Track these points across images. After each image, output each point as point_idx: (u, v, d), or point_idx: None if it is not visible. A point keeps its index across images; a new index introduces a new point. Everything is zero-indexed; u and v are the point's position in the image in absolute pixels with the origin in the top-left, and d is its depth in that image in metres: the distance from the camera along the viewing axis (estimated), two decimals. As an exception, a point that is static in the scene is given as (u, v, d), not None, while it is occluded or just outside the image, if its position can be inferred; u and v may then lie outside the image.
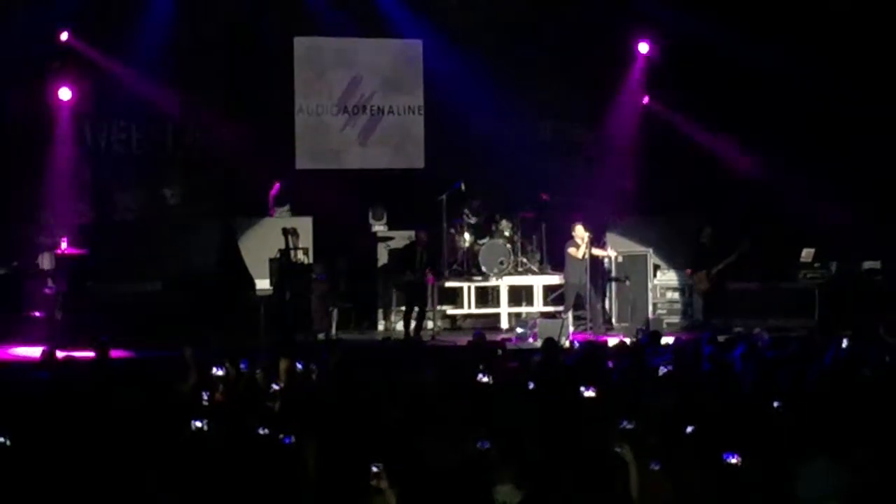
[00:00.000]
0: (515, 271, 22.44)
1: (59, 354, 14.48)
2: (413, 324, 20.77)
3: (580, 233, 20.81)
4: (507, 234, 22.38)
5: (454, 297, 22.49)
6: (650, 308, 21.86)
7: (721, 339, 16.05)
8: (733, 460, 8.84)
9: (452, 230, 22.38)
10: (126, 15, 22.30)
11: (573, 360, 14.98)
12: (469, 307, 22.44)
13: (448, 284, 22.20)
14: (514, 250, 22.36)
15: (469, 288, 22.35)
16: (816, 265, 21.59)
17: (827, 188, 22.30)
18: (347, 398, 12.02)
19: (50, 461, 9.77)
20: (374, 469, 8.61)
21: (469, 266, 22.34)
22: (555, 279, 22.28)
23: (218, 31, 23.01)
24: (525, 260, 22.70)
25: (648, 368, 13.83)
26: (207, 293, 20.23)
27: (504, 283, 22.30)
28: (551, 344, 15.61)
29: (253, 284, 20.95)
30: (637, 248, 22.25)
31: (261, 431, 10.14)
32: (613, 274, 21.97)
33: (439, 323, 21.80)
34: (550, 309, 22.01)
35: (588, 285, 20.75)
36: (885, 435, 9.93)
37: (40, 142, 21.85)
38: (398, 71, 24.35)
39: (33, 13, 21.44)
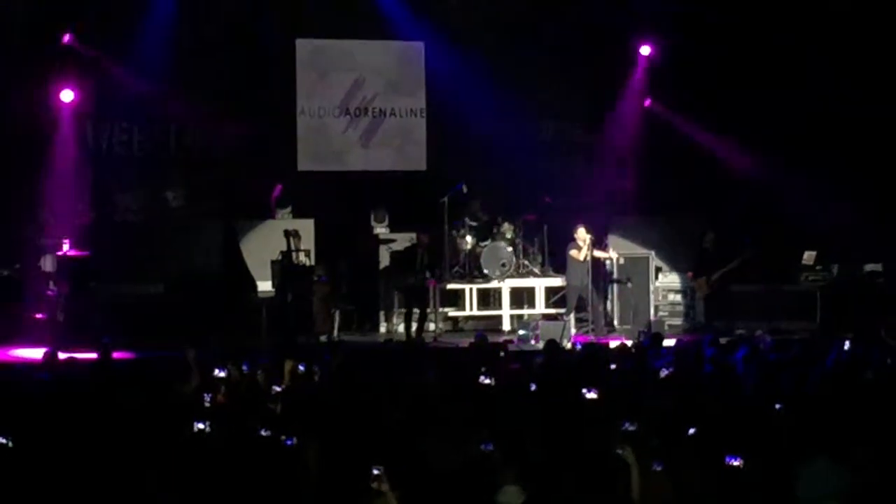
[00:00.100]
0: (517, 273, 22.43)
1: (61, 356, 14.49)
2: (414, 326, 20.77)
3: (582, 235, 20.81)
4: (508, 236, 22.37)
5: (456, 299, 22.48)
6: (652, 310, 21.87)
7: (723, 341, 16.05)
8: (736, 463, 8.84)
9: (454, 232, 22.37)
10: (128, 16, 22.30)
11: (575, 362, 14.97)
12: (471, 309, 22.44)
13: (450, 286, 22.19)
14: (515, 252, 22.35)
15: (471, 290, 22.35)
16: (818, 267, 21.59)
17: (828, 190, 22.30)
18: (349, 400, 12.02)
19: (52, 462, 9.77)
20: (375, 471, 8.61)
21: (471, 268, 22.33)
22: (556, 281, 22.27)
23: (219, 32, 22.99)
24: (527, 262, 22.69)
25: (650, 370, 13.84)
26: (209, 295, 20.24)
27: (506, 285, 22.30)
28: (553, 346, 15.63)
29: (254, 286, 20.96)
30: (639, 250, 22.27)
31: (262, 433, 10.14)
32: (615, 276, 21.97)
33: (441, 325, 21.79)
34: (552, 311, 22.00)
35: (590, 287, 20.75)
36: (887, 436, 9.93)
37: (42, 143, 21.84)
38: (400, 73, 24.35)
39: (35, 15, 21.45)
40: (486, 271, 22.09)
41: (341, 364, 14.27)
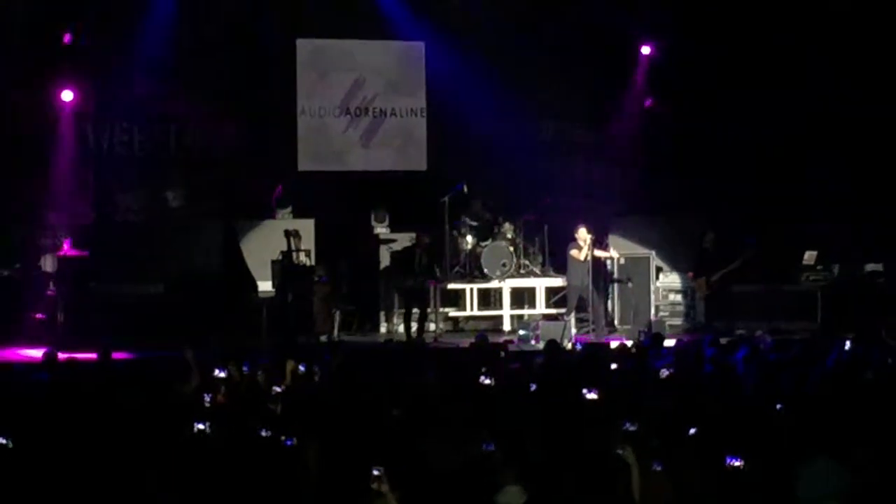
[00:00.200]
0: (518, 273, 22.42)
1: (61, 356, 14.48)
2: (414, 326, 20.76)
3: (583, 235, 20.80)
4: (509, 236, 22.36)
5: (457, 299, 22.48)
6: (652, 310, 21.86)
7: (723, 341, 16.05)
8: (736, 463, 8.83)
9: (455, 232, 22.36)
10: (128, 16, 22.30)
11: (575, 362, 14.97)
12: (471, 309, 22.44)
13: (450, 286, 22.18)
14: (516, 252, 22.34)
15: (471, 290, 22.34)
16: (819, 267, 21.57)
17: (829, 190, 22.29)
18: (349, 400, 12.02)
19: (52, 463, 9.77)
20: (375, 472, 8.60)
21: (471, 268, 22.32)
22: (557, 281, 22.26)
23: (220, 32, 22.97)
24: (527, 262, 22.68)
25: (650, 370, 13.83)
26: (209, 295, 20.24)
27: (506, 286, 22.29)
28: (553, 346, 15.63)
29: (255, 286, 20.96)
30: (639, 250, 22.27)
31: (262, 433, 10.13)
32: (616, 276, 21.96)
33: (441, 325, 21.79)
34: (553, 311, 22.01)
35: (590, 287, 20.74)
36: (887, 437, 9.92)
37: (42, 143, 21.85)
38: (401, 73, 24.34)
39: (35, 15, 21.44)
40: (486, 271, 22.08)
41: (341, 364, 14.27)
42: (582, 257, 20.76)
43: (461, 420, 10.79)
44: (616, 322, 21.85)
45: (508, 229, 22.39)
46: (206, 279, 20.64)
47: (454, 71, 23.54)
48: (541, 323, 20.66)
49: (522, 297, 22.69)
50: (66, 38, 21.67)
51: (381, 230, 22.92)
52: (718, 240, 21.40)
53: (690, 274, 21.74)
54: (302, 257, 20.88)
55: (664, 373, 13.41)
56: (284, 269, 20.69)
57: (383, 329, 22.04)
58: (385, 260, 22.42)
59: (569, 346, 18.38)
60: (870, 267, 21.51)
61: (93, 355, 14.90)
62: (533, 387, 12.73)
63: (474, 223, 22.46)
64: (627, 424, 9.92)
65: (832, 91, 22.68)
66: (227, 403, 12.18)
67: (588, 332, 20.80)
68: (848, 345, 15.10)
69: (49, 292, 20.54)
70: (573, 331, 20.39)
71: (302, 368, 13.36)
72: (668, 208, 23.19)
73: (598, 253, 21.11)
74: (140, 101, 22.36)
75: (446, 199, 21.97)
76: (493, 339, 18.05)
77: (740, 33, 22.87)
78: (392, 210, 23.10)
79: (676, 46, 23.52)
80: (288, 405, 11.96)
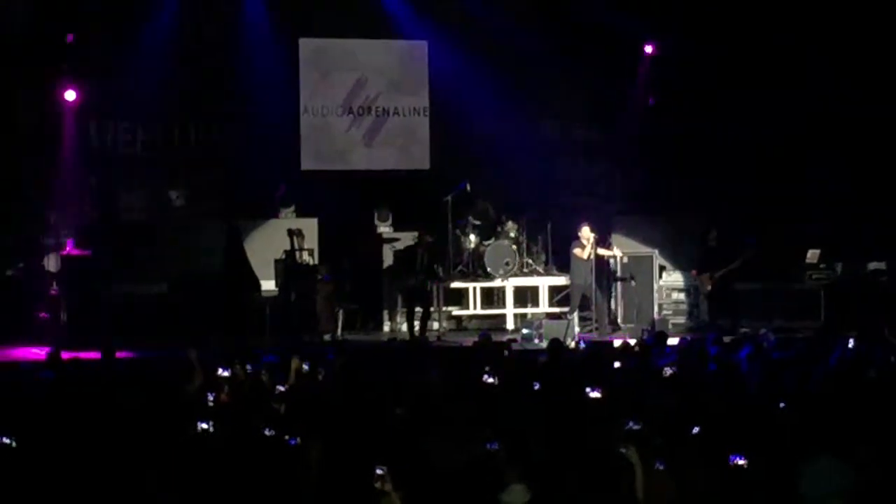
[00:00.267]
0: (521, 272, 22.42)
1: (65, 355, 14.49)
2: (417, 325, 20.78)
3: (586, 233, 20.79)
4: (512, 234, 22.36)
5: (460, 298, 22.49)
6: (656, 309, 21.85)
7: (727, 339, 16.05)
8: (739, 462, 8.83)
9: (458, 231, 22.37)
10: (130, 16, 22.31)
11: (578, 361, 14.97)
12: (475, 308, 22.44)
13: (454, 285, 22.19)
14: (519, 251, 22.33)
15: (475, 289, 22.35)
16: (822, 266, 21.56)
17: (830, 189, 22.28)
18: (353, 399, 12.02)
19: (56, 462, 9.78)
20: (379, 471, 8.60)
21: (475, 267, 22.32)
22: (560, 280, 22.27)
23: (222, 31, 22.99)
24: (530, 261, 22.68)
25: (654, 369, 13.83)
26: (212, 294, 20.26)
27: (510, 284, 22.28)
28: (557, 345, 15.62)
29: (258, 285, 20.98)
30: (642, 249, 22.26)
31: (266, 432, 10.14)
32: (619, 274, 21.95)
33: (445, 324, 21.79)
34: (556, 310, 22.01)
35: (594, 286, 20.74)
36: (890, 435, 9.92)
37: (45, 143, 21.86)
38: (403, 72, 24.34)
39: (38, 15, 21.45)
40: (489, 270, 22.07)
41: (345, 363, 14.27)
42: (585, 256, 20.76)
43: (465, 419, 10.79)
44: (619, 321, 21.85)
45: (512, 228, 22.39)
46: (209, 278, 20.65)
47: (457, 70, 23.56)
48: (544, 322, 20.67)
49: (526, 296, 22.68)
50: (69, 37, 21.67)
51: (385, 229, 22.91)
52: (721, 238, 21.38)
53: (694, 272, 21.73)
54: (305, 256, 20.90)
55: (667, 371, 13.41)
56: (288, 268, 20.70)
57: (386, 328, 22.05)
58: (388, 259, 22.42)
59: (572, 344, 18.35)
60: (873, 265, 21.50)
61: (96, 354, 14.92)
62: (536, 385, 12.73)
63: (478, 222, 22.45)
64: (631, 423, 9.93)
65: (832, 91, 22.67)
66: (230, 403, 12.19)
67: (591, 330, 20.81)
68: (851, 343, 15.12)
69: (52, 292, 20.56)
70: (576, 329, 20.40)
71: (306, 367, 13.38)
72: (671, 207, 23.18)
73: (602, 251, 21.10)
74: (143, 100, 22.37)
75: (449, 198, 21.99)
76: (496, 337, 18.06)
77: (740, 33, 22.86)
78: (395, 209, 23.09)
79: (677, 46, 23.50)
80: (292, 404, 11.96)
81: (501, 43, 23.70)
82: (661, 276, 22.20)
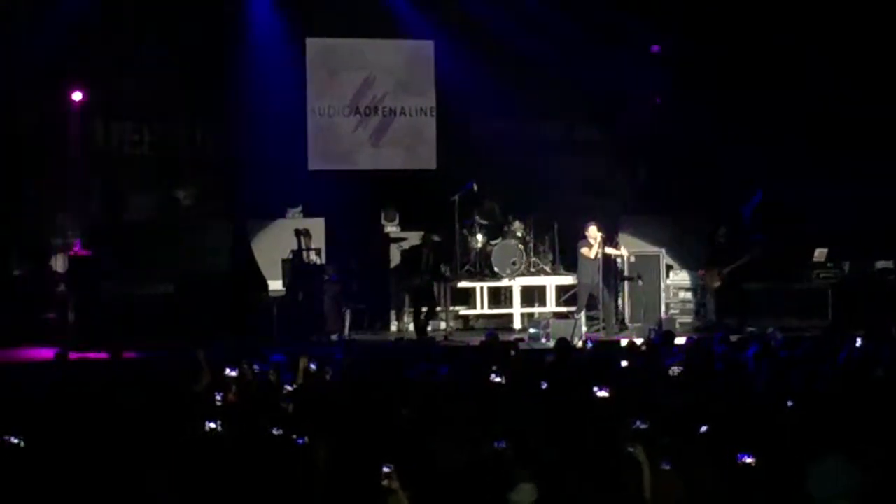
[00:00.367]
0: (528, 272, 22.43)
1: (72, 356, 14.51)
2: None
3: (593, 233, 20.78)
4: (519, 234, 22.37)
5: (467, 297, 22.49)
6: (663, 308, 21.84)
7: (734, 338, 16.03)
8: (747, 461, 8.83)
9: (465, 231, 22.37)
10: (137, 16, 22.35)
11: (586, 361, 14.96)
12: (482, 308, 22.44)
13: (461, 285, 22.20)
14: (526, 251, 22.35)
15: (482, 288, 22.35)
16: (829, 265, 21.53)
17: (840, 187, 22.27)
18: (360, 399, 12.02)
19: (63, 462, 9.79)
20: (386, 469, 8.61)
21: (482, 267, 22.33)
22: (567, 279, 22.27)
23: (229, 31, 23.00)
24: (537, 260, 22.69)
25: (661, 368, 13.82)
26: (219, 294, 20.27)
27: (517, 284, 22.29)
28: (564, 344, 15.60)
29: (265, 285, 20.99)
30: (649, 248, 22.24)
31: (274, 432, 10.15)
32: (626, 274, 21.94)
33: (452, 323, 21.79)
34: (563, 309, 22.01)
35: (601, 285, 20.74)
36: (898, 434, 9.92)
37: (52, 144, 21.89)
38: (410, 72, 24.35)
39: (45, 17, 21.47)
40: (496, 270, 22.08)
41: (352, 363, 14.28)
42: (592, 255, 20.75)
43: (471, 418, 10.79)
44: (626, 320, 21.83)
45: (519, 228, 22.40)
46: (215, 278, 20.67)
47: (463, 70, 23.56)
48: (551, 321, 20.64)
49: (533, 296, 22.70)
50: (75, 38, 21.69)
51: (392, 229, 22.93)
52: (730, 235, 21.38)
53: (701, 272, 21.71)
54: (312, 256, 20.94)
55: (675, 370, 13.40)
56: (295, 268, 20.73)
57: (394, 328, 22.05)
58: (395, 259, 22.43)
59: (579, 344, 18.38)
60: (880, 264, 21.47)
61: (103, 355, 14.94)
62: (543, 385, 12.73)
63: (485, 222, 22.46)
64: (638, 422, 9.92)
65: (832, 91, 22.67)
66: (238, 402, 12.20)
67: (598, 330, 20.80)
68: (858, 342, 15.09)
69: (60, 292, 20.57)
70: (583, 329, 20.37)
71: (313, 367, 13.39)
72: (678, 206, 23.15)
73: (609, 251, 21.10)
74: (149, 101, 22.39)
75: (456, 197, 21.99)
76: (503, 337, 18.05)
77: (740, 33, 22.85)
78: (402, 209, 23.10)
79: (685, 45, 23.50)
80: (299, 404, 11.97)
81: (507, 43, 23.69)
82: (668, 276, 22.18)
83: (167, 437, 10.36)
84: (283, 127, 23.34)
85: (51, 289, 20.69)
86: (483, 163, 23.21)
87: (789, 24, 22.68)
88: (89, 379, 13.62)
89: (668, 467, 8.96)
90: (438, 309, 21.39)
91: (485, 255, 22.25)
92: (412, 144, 24.38)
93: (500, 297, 22.68)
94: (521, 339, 19.68)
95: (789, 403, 11.30)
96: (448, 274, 21.62)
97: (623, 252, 21.60)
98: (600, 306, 20.92)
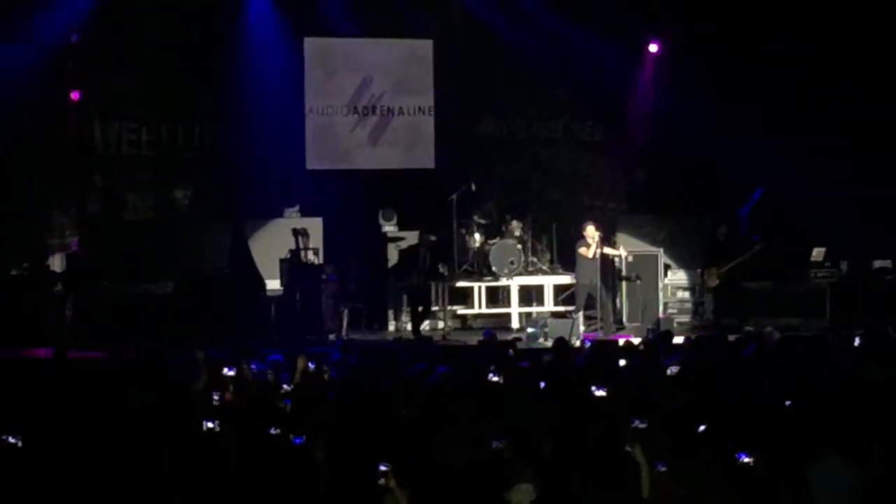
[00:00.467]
0: (526, 271, 22.43)
1: (70, 355, 14.49)
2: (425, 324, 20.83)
3: (591, 232, 20.76)
4: (517, 234, 22.37)
5: (465, 297, 22.49)
6: (661, 308, 21.84)
7: (732, 338, 16.03)
8: (746, 460, 8.83)
9: (463, 230, 22.37)
10: (135, 16, 22.35)
11: (584, 360, 14.96)
12: (480, 307, 22.42)
13: (459, 284, 22.20)
14: (524, 250, 22.35)
15: (480, 288, 22.34)
16: (827, 264, 21.53)
17: (838, 187, 22.28)
18: (358, 398, 12.02)
19: (61, 461, 9.78)
20: (382, 468, 8.60)
21: (480, 266, 22.32)
22: (565, 279, 22.27)
23: (228, 30, 23.00)
24: (535, 260, 22.69)
25: (659, 367, 13.81)
26: (218, 294, 20.26)
27: (515, 283, 22.28)
28: (562, 343, 15.61)
29: (263, 285, 20.97)
30: (647, 248, 22.24)
31: (272, 431, 10.14)
32: (624, 273, 21.94)
33: (450, 323, 21.78)
34: (561, 309, 22.01)
35: (599, 285, 20.73)
36: (897, 433, 9.92)
37: (51, 143, 21.88)
38: (408, 71, 24.33)
39: (44, 16, 21.45)
40: (494, 269, 22.08)
41: (350, 363, 14.26)
42: (590, 255, 20.73)
43: (470, 417, 10.79)
44: (624, 319, 21.83)
45: (517, 227, 22.40)
46: (214, 278, 20.67)
47: (462, 69, 23.56)
48: (549, 320, 20.63)
49: (531, 295, 22.69)
50: (74, 37, 21.69)
51: (389, 228, 22.91)
52: (730, 233, 21.39)
53: (699, 271, 21.72)
54: (310, 256, 20.92)
55: (673, 370, 13.40)
56: (293, 267, 20.72)
57: (392, 327, 22.05)
58: (393, 258, 22.43)
59: (577, 343, 18.38)
60: (878, 263, 21.47)
61: (101, 354, 14.92)
62: (541, 384, 12.73)
63: (483, 221, 22.46)
64: (636, 421, 9.91)
65: (832, 91, 22.68)
66: (236, 402, 12.19)
67: (596, 329, 20.79)
68: (857, 341, 15.09)
69: (58, 291, 20.56)
70: (581, 328, 20.38)
71: (311, 366, 13.38)
72: (677, 206, 23.16)
73: (607, 250, 21.08)
74: (148, 100, 22.38)
75: (454, 197, 21.98)
76: (501, 336, 18.04)
77: (740, 33, 22.86)
78: (400, 208, 23.09)
79: (684, 45, 23.50)
80: (297, 403, 11.96)
81: (506, 41, 23.68)
82: (666, 275, 22.19)
83: (165, 437, 10.35)
84: (281, 126, 23.32)
85: (48, 288, 20.66)
86: (481, 162, 23.21)
87: (789, 23, 22.68)
88: (87, 378, 13.60)
89: (663, 469, 8.96)
90: (435, 309, 21.39)
91: (483, 254, 22.25)
92: (410, 144, 24.37)
93: (498, 296, 22.68)
94: (519, 339, 19.66)
95: (787, 403, 11.30)
96: (446, 273, 21.61)
97: (621, 252, 21.58)
98: (598, 306, 20.90)
